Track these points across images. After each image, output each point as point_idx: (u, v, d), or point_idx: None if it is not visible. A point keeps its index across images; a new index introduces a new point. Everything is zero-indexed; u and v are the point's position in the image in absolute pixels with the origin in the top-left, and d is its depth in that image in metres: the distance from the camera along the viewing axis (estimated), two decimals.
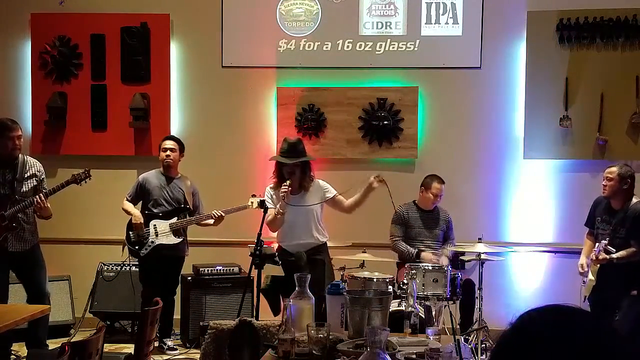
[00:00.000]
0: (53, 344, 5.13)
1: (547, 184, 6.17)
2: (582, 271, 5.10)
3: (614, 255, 4.74)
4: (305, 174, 4.98)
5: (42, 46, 6.43)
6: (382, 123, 6.22)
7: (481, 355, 5.00)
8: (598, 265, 4.89)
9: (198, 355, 3.88)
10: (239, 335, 3.36)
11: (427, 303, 3.22)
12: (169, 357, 5.56)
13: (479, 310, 5.18)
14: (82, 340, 2.77)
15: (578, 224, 5.41)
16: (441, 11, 6.24)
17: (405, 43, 6.27)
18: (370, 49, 6.28)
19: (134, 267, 5.80)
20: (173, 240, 5.58)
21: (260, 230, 4.84)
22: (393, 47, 6.27)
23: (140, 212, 5.61)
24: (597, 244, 4.88)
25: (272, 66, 6.36)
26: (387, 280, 4.89)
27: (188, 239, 5.96)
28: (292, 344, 2.62)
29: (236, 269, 5.97)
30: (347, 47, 6.30)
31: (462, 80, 6.25)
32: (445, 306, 3.94)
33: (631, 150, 5.95)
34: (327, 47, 6.32)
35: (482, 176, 6.23)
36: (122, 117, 6.33)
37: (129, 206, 5.62)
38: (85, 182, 5.09)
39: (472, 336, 5.15)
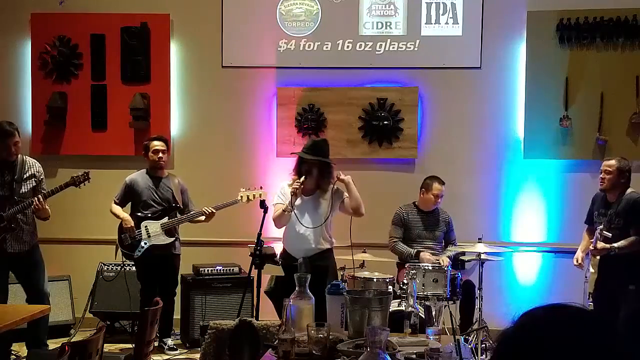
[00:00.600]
0: (53, 344, 5.13)
1: (547, 184, 6.17)
2: (576, 263, 5.12)
3: (615, 245, 4.74)
4: (324, 176, 4.79)
5: (42, 46, 6.43)
6: (382, 123, 6.22)
7: (481, 355, 5.00)
8: (598, 257, 4.88)
9: (198, 355, 3.88)
10: (239, 335, 3.36)
11: (427, 303, 3.22)
12: (169, 357, 5.56)
13: (479, 310, 5.18)
14: (82, 340, 2.77)
15: (578, 224, 5.41)
16: (441, 11, 6.24)
17: (405, 43, 6.27)
18: (370, 49, 6.28)
19: (133, 268, 5.80)
20: (166, 240, 5.58)
21: (260, 230, 4.84)
22: (393, 47, 6.27)
23: (130, 214, 5.59)
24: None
25: (272, 66, 6.36)
26: (387, 280, 4.89)
27: (188, 239, 5.97)
28: (292, 344, 2.62)
29: (236, 269, 5.96)
30: (347, 47, 6.30)
31: (462, 80, 6.25)
32: (445, 306, 3.94)
33: (631, 150, 5.95)
34: (327, 47, 6.32)
35: (482, 176, 6.23)
36: (122, 117, 6.33)
37: (118, 209, 5.60)
38: (84, 184, 5.09)
39: (472, 336, 5.15)
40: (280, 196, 4.88)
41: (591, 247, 4.87)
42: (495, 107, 6.23)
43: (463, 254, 5.66)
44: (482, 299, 5.19)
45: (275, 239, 5.37)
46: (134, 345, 3.54)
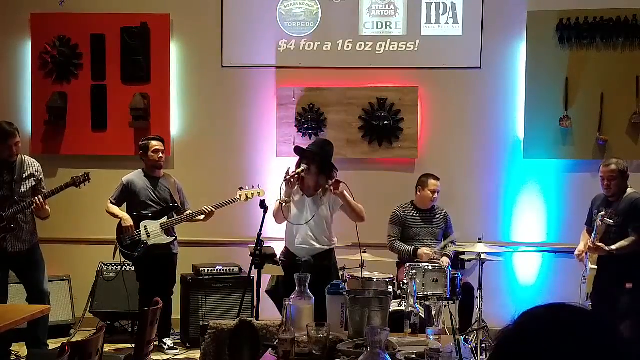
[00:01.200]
0: (53, 344, 5.14)
1: (547, 184, 6.17)
2: (577, 253, 5.14)
3: (613, 247, 4.75)
4: (323, 174, 4.74)
5: (42, 46, 6.43)
6: (382, 123, 6.22)
7: (481, 355, 5.00)
8: (597, 254, 4.89)
9: (198, 355, 3.88)
10: (239, 335, 3.36)
11: (427, 303, 3.22)
12: (169, 357, 5.56)
13: (479, 310, 5.18)
14: (82, 340, 2.77)
15: (578, 224, 5.42)
16: (441, 11, 6.24)
17: (405, 43, 6.27)
18: (370, 49, 6.28)
19: (133, 268, 5.80)
20: (165, 239, 5.58)
21: (260, 230, 4.83)
22: (393, 47, 6.27)
23: (127, 214, 5.60)
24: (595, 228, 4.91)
25: (272, 66, 6.36)
26: (387, 280, 4.89)
27: (188, 239, 5.98)
28: (292, 344, 2.62)
29: (236, 269, 5.96)
30: (347, 47, 6.30)
31: (462, 80, 6.25)
32: (445, 306, 3.94)
33: (631, 150, 5.95)
34: (327, 47, 6.32)
35: (482, 176, 6.23)
36: (122, 117, 6.33)
37: (116, 209, 5.59)
38: (85, 185, 5.10)
39: (472, 336, 5.15)
40: (282, 194, 4.83)
41: (590, 243, 4.86)
42: (495, 107, 6.23)
43: (463, 253, 5.65)
44: (482, 299, 5.19)
45: (275, 239, 5.38)
46: (134, 345, 3.54)
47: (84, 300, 5.97)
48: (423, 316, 3.32)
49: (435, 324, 3.01)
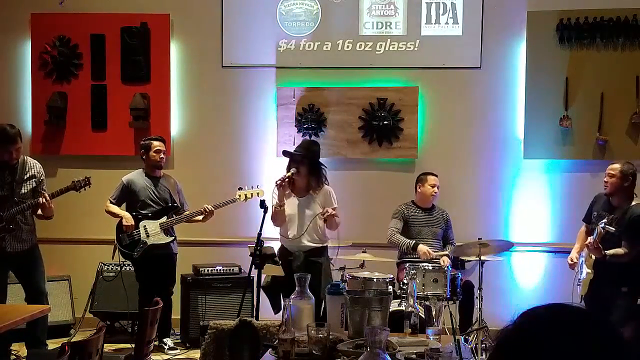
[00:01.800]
0: (53, 344, 5.13)
1: (547, 184, 6.17)
2: (571, 263, 5.11)
3: (608, 252, 4.74)
4: (312, 174, 4.93)
5: (42, 46, 6.43)
6: (382, 123, 6.22)
7: (481, 355, 5.00)
8: (594, 258, 4.88)
9: (198, 355, 3.88)
10: (239, 335, 3.36)
11: (427, 303, 3.22)
12: (169, 357, 5.56)
13: (479, 310, 5.17)
14: (82, 340, 2.77)
15: (578, 223, 5.41)
16: (441, 11, 6.24)
17: (405, 43, 6.26)
18: (370, 49, 6.28)
19: (132, 268, 5.79)
20: (164, 239, 5.58)
21: (260, 230, 4.84)
22: (393, 47, 6.27)
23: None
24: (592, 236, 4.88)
25: (272, 66, 6.36)
26: (387, 280, 4.89)
27: (188, 239, 5.98)
28: (292, 344, 2.62)
29: (236, 269, 5.97)
30: (347, 47, 6.30)
31: (462, 80, 6.24)
32: (445, 306, 3.94)
33: (631, 150, 5.95)
34: (327, 47, 6.32)
35: (482, 176, 6.23)
36: (122, 117, 6.33)
37: (115, 208, 5.59)
38: (85, 189, 5.10)
39: (472, 336, 5.15)
40: (274, 194, 4.98)
41: (588, 242, 4.83)
42: (495, 107, 6.23)
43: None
44: (482, 299, 5.19)
45: (276, 239, 5.37)
46: (134, 345, 3.54)
47: (84, 300, 5.97)
48: (423, 316, 3.33)
49: (435, 324, 3.01)
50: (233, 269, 5.96)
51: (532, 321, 1.06)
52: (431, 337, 2.91)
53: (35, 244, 5.08)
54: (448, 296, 4.82)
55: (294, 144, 6.18)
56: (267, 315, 4.89)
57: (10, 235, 4.89)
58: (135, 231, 5.51)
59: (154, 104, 6.38)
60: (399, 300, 4.45)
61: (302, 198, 4.96)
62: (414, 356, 2.59)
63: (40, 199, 4.85)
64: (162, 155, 5.63)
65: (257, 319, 4.08)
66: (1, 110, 6.40)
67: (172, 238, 5.63)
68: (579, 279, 5.05)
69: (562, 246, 6.06)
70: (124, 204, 5.66)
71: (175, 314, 5.87)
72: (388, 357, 2.23)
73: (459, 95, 6.26)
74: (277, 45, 6.34)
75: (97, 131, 6.42)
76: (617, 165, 4.91)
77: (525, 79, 6.11)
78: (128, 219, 5.51)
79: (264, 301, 4.91)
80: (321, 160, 5.12)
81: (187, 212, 5.64)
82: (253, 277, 5.05)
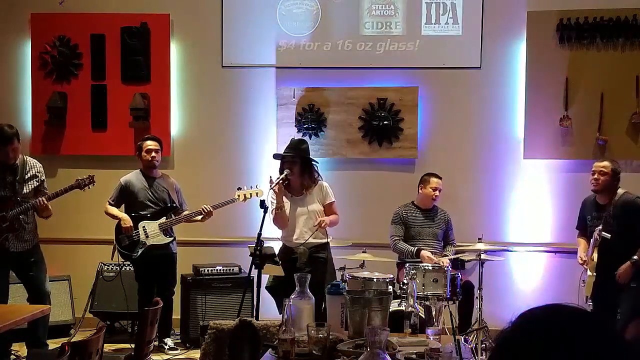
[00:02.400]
0: (53, 344, 5.14)
1: (547, 184, 6.17)
2: (581, 262, 5.12)
3: (635, 257, 4.72)
4: (305, 172, 5.00)
5: (42, 46, 6.43)
6: (382, 123, 6.22)
7: (481, 355, 5.00)
8: (596, 260, 4.89)
9: (198, 355, 3.88)
10: (239, 335, 3.36)
11: (427, 303, 3.22)
12: (169, 357, 5.56)
13: (479, 310, 5.18)
14: (82, 340, 2.77)
15: None
16: (441, 11, 6.24)
17: (405, 43, 6.26)
18: (370, 49, 6.28)
19: (131, 268, 5.79)
20: (164, 239, 5.58)
21: (260, 230, 4.84)
22: (393, 47, 6.27)
23: (126, 214, 5.59)
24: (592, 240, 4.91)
25: (272, 66, 6.36)
26: (387, 280, 4.89)
27: (188, 239, 5.98)
28: (292, 344, 2.62)
29: (236, 269, 5.97)
30: (347, 47, 6.30)
31: (462, 80, 6.24)
32: (445, 306, 3.94)
33: (631, 150, 5.95)
34: (327, 47, 6.32)
35: (482, 176, 6.22)
36: (122, 117, 6.33)
37: (114, 210, 5.60)
38: (89, 187, 5.11)
39: (472, 336, 5.15)
40: (272, 200, 5.02)
41: (585, 257, 4.93)
42: (495, 107, 6.23)
43: (463, 253, 5.65)
44: (482, 299, 5.19)
45: (275, 239, 5.38)
46: (134, 345, 3.54)
47: (84, 300, 5.97)
48: (423, 316, 3.33)
49: (435, 324, 3.01)
50: (233, 269, 5.96)
51: (531, 322, 1.06)
52: (431, 337, 2.91)
53: (37, 244, 5.09)
54: (448, 296, 4.82)
55: None
56: (267, 315, 4.89)
57: (12, 235, 4.90)
58: (134, 232, 5.51)
59: (154, 104, 6.38)
60: (399, 300, 4.44)
61: (298, 197, 5.02)
62: (414, 356, 2.59)
63: (38, 199, 4.86)
64: (153, 155, 5.60)
65: (257, 319, 4.08)
66: (1, 110, 6.40)
67: (171, 239, 5.64)
68: (583, 280, 5.06)
69: (561, 246, 6.07)
70: (123, 205, 5.66)
71: (175, 314, 5.87)
72: (388, 357, 2.23)
73: (459, 95, 6.26)
74: (277, 45, 6.34)
75: (97, 131, 6.42)
76: (607, 163, 4.97)
77: (525, 79, 6.11)
78: (126, 220, 5.50)
79: (264, 301, 4.91)
80: (321, 160, 5.15)
81: (186, 213, 5.64)
82: (253, 277, 5.05)
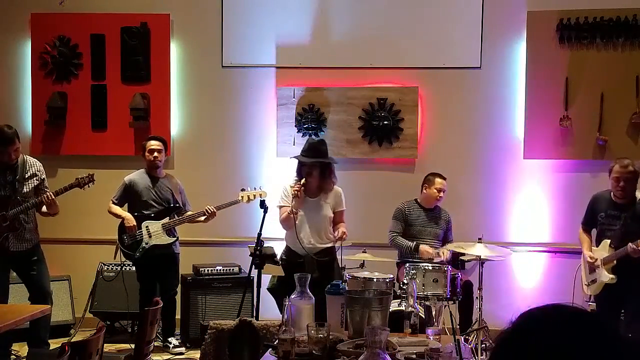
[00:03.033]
0: (53, 344, 5.14)
1: (547, 184, 6.17)
2: (592, 260, 4.95)
3: None
4: (325, 176, 4.87)
5: (42, 46, 6.43)
6: (382, 123, 6.22)
7: (481, 355, 5.00)
8: (615, 262, 4.78)
9: (198, 355, 3.88)
10: (239, 335, 3.37)
11: (427, 303, 3.22)
12: (169, 357, 5.56)
13: (479, 310, 5.17)
14: (82, 340, 2.77)
15: (578, 224, 5.40)
16: (441, 11, 6.24)
17: (405, 43, 6.26)
18: (370, 49, 6.28)
19: (134, 268, 5.80)
20: (166, 239, 5.59)
21: (260, 230, 4.84)
22: (393, 47, 6.27)
23: (129, 214, 5.59)
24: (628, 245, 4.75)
25: (272, 66, 6.36)
26: (387, 280, 4.89)
27: (188, 239, 5.97)
28: (292, 344, 2.62)
29: (236, 269, 5.97)
30: (347, 47, 6.30)
31: (462, 80, 6.24)
32: (445, 306, 3.94)
33: (631, 150, 5.94)
34: (327, 47, 6.32)
35: (482, 176, 6.23)
36: (122, 117, 6.33)
37: (117, 209, 5.60)
38: (89, 186, 5.11)
39: (472, 336, 5.15)
40: (284, 198, 4.89)
41: (598, 259, 4.82)
42: (495, 107, 6.23)
43: (463, 254, 5.64)
44: (482, 299, 5.18)
45: (275, 238, 5.38)
46: (134, 345, 3.54)
47: (84, 300, 5.97)
48: (423, 316, 3.33)
49: (435, 324, 3.01)
50: (233, 269, 5.96)
51: (530, 322, 1.06)
52: (431, 337, 2.91)
53: (37, 244, 5.09)
54: (448, 296, 4.82)
55: (294, 144, 6.20)
56: (267, 315, 4.89)
57: (13, 234, 4.90)
58: (137, 232, 5.52)
59: (154, 104, 6.38)
60: (399, 300, 4.44)
61: (313, 199, 4.90)
62: (414, 356, 2.59)
63: (44, 195, 4.86)
64: (155, 155, 5.61)
65: (257, 319, 4.09)
66: (1, 110, 6.40)
67: (174, 239, 5.64)
68: (593, 280, 4.96)
69: (561, 246, 6.07)
70: (126, 204, 5.66)
71: (176, 314, 5.87)
72: (388, 357, 2.23)
73: (459, 95, 6.26)
74: (277, 45, 6.34)
75: (97, 131, 6.42)
76: (631, 168, 4.77)
77: (525, 79, 6.11)
78: (129, 220, 5.51)
79: (264, 301, 4.91)
80: None
81: (189, 213, 5.65)
82: (253, 277, 5.05)
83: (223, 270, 5.93)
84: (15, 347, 5.25)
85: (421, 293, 4.71)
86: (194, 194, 5.94)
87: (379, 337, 2.20)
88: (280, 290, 4.82)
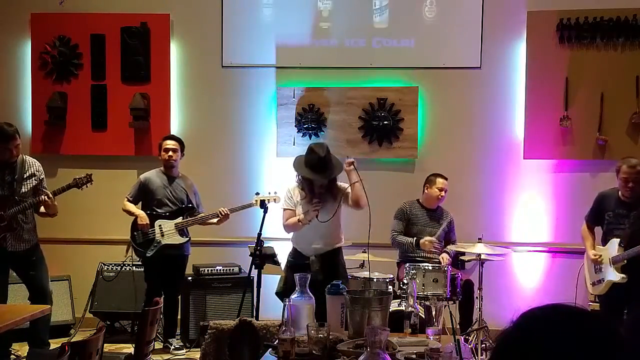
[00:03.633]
0: (53, 344, 5.13)
1: (547, 184, 6.17)
2: (595, 258, 4.92)
3: None
4: (335, 181, 4.73)
5: (42, 46, 6.43)
6: (382, 123, 6.22)
7: (481, 355, 5.00)
8: (626, 262, 4.74)
9: (198, 355, 3.88)
10: (239, 335, 3.37)
11: (427, 303, 3.22)
12: (170, 357, 5.56)
13: (479, 310, 5.17)
14: (82, 340, 2.77)
15: (578, 224, 5.40)
16: (442, 11, 6.24)
17: (405, 42, 6.26)
18: (370, 49, 6.28)
19: (134, 267, 5.80)
20: (179, 239, 5.60)
21: (260, 230, 4.84)
22: (393, 47, 6.27)
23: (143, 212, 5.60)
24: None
25: (272, 66, 6.36)
26: (387, 280, 4.89)
27: None
28: (292, 344, 2.62)
29: (236, 269, 5.97)
30: (347, 46, 6.30)
31: (462, 80, 6.24)
32: (445, 306, 3.94)
33: (631, 150, 5.93)
34: (327, 47, 6.32)
35: (482, 176, 6.22)
36: (122, 117, 6.33)
37: (131, 206, 5.61)
38: (87, 186, 5.10)
39: (472, 336, 5.15)
40: (288, 200, 4.81)
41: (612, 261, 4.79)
42: (495, 107, 6.23)
43: (463, 254, 5.65)
44: (482, 299, 5.19)
45: (275, 238, 5.38)
46: (134, 345, 3.54)
47: (84, 300, 5.97)
48: (423, 316, 3.33)
49: (435, 324, 3.01)
50: (233, 269, 5.96)
51: (531, 322, 1.06)
52: (431, 337, 2.91)
53: (36, 244, 5.08)
54: (448, 296, 4.82)
55: (294, 144, 6.20)
56: (267, 315, 4.89)
57: (11, 234, 4.89)
58: (150, 230, 5.52)
59: (154, 104, 6.38)
60: (399, 300, 4.45)
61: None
62: (414, 356, 2.59)
63: (43, 196, 4.84)
64: (170, 154, 5.63)
65: (257, 319, 4.09)
66: (1, 110, 6.40)
67: (186, 239, 5.65)
68: (599, 279, 4.93)
69: (561, 246, 6.07)
70: (140, 202, 5.66)
71: (177, 315, 5.87)
72: (388, 357, 2.23)
73: (459, 95, 6.26)
74: (277, 45, 6.34)
75: (97, 131, 6.42)
76: (639, 167, 4.77)
77: (525, 79, 6.11)
78: (143, 217, 5.51)
79: (264, 301, 4.91)
80: None
81: (202, 214, 5.65)
82: (253, 277, 5.04)
83: (223, 270, 5.93)
84: (15, 347, 5.25)
85: (421, 293, 4.71)
86: None
87: (379, 337, 2.20)
88: (288, 294, 4.74)
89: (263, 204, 5.02)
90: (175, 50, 6.45)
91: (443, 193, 5.58)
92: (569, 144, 6.06)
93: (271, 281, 5.09)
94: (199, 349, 3.79)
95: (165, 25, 6.39)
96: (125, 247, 5.68)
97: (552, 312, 1.07)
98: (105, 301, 5.96)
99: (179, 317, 5.90)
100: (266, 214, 4.93)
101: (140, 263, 5.74)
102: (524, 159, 6.13)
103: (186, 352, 5.65)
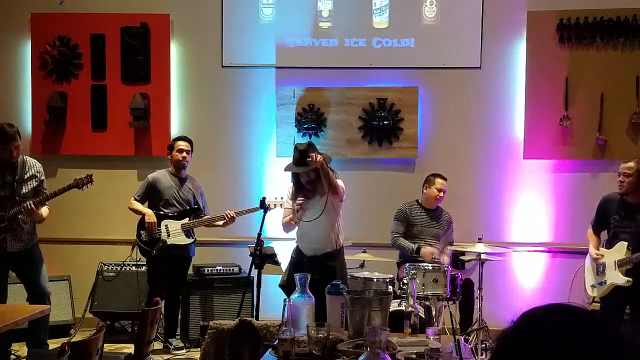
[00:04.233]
0: (53, 344, 5.13)
1: (547, 183, 6.17)
2: (597, 257, 4.91)
3: None
4: (319, 179, 4.66)
5: (42, 46, 6.43)
6: (382, 123, 6.22)
7: (481, 355, 5.00)
8: (632, 265, 4.71)
9: (198, 355, 3.88)
10: (239, 335, 3.37)
11: (427, 303, 3.22)
12: (170, 357, 5.56)
13: (479, 310, 5.17)
14: (82, 340, 2.77)
15: (578, 224, 5.41)
16: (441, 11, 6.24)
17: (405, 42, 6.26)
18: (370, 49, 6.28)
19: (134, 267, 5.80)
20: (184, 240, 5.60)
21: (260, 230, 4.84)
22: (393, 47, 6.27)
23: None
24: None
25: (272, 66, 6.36)
26: (387, 280, 4.89)
27: None
28: (292, 344, 2.62)
29: (236, 269, 5.97)
30: (347, 46, 6.30)
31: (462, 80, 6.24)
32: (445, 306, 3.94)
33: (631, 150, 5.94)
34: (327, 47, 6.32)
35: (482, 176, 6.23)
36: (122, 117, 6.33)
37: (139, 205, 5.60)
38: (87, 187, 5.09)
39: (472, 336, 5.15)
40: (289, 200, 4.86)
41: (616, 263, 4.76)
42: (495, 107, 6.23)
43: (463, 253, 5.65)
44: (482, 299, 5.19)
45: (275, 238, 5.38)
46: (134, 345, 3.54)
47: (84, 300, 5.97)
48: (423, 316, 3.33)
49: (435, 324, 3.01)
50: (233, 269, 5.96)
51: (531, 322, 1.06)
52: (431, 337, 2.91)
53: (35, 244, 5.07)
54: (448, 296, 4.82)
55: (293, 144, 6.17)
56: (267, 315, 4.89)
57: (10, 235, 4.89)
58: (156, 229, 5.52)
59: (154, 104, 6.38)
60: (399, 300, 4.44)
61: (311, 200, 4.75)
62: (414, 356, 2.59)
63: (26, 203, 4.79)
64: (184, 155, 5.64)
65: (257, 319, 4.09)
66: (1, 110, 6.40)
67: (192, 240, 5.65)
68: (602, 281, 4.90)
69: (561, 246, 6.08)
70: (147, 202, 5.66)
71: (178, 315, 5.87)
72: (388, 357, 2.23)
73: (459, 95, 6.26)
74: (277, 45, 6.34)
75: (97, 131, 6.42)
76: (632, 164, 4.77)
77: (525, 79, 6.11)
78: (150, 216, 5.52)
79: (264, 301, 4.91)
80: None
81: (208, 216, 5.65)
82: (253, 277, 5.04)
83: (223, 270, 5.93)
84: (15, 347, 5.25)
85: (421, 293, 4.71)
86: None
87: (379, 337, 2.20)
88: (292, 288, 4.76)
89: (263, 204, 5.01)
90: (175, 50, 6.45)
91: (442, 194, 5.58)
92: (568, 144, 6.06)
93: (271, 281, 5.09)
94: (199, 349, 3.79)
95: (165, 25, 6.39)
96: (131, 246, 5.68)
97: (552, 312, 1.07)
98: (105, 301, 5.96)
99: (179, 317, 5.90)
100: (266, 214, 4.93)
101: (141, 263, 5.74)
102: (523, 158, 6.13)
103: (186, 352, 5.65)
